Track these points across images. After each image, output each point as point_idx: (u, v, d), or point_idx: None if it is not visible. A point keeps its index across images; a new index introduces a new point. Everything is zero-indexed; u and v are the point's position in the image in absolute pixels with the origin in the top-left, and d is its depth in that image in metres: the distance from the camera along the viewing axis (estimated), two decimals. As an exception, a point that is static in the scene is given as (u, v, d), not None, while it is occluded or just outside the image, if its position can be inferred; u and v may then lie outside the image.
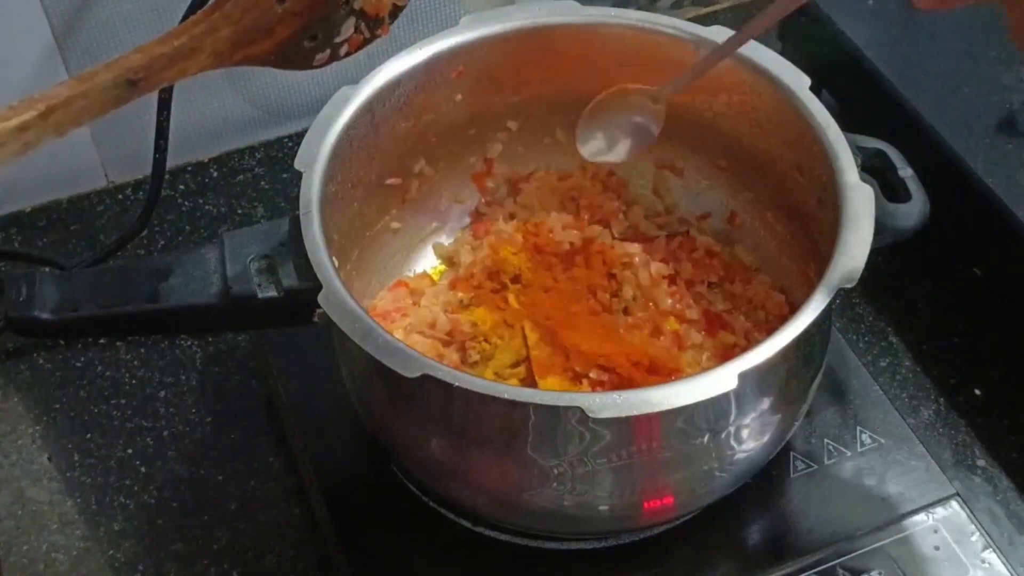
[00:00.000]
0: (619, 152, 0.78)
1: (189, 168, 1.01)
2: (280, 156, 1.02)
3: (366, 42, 0.69)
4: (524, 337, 0.76)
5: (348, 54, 0.69)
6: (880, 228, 0.66)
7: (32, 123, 0.58)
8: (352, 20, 0.68)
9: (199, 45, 0.62)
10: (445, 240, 0.85)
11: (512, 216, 0.84)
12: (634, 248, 0.82)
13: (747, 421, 0.65)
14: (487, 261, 0.81)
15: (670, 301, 0.79)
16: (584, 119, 0.78)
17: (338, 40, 0.68)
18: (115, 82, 0.61)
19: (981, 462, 0.80)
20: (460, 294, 0.80)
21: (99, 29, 0.89)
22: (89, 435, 0.83)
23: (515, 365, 0.76)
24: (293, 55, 0.66)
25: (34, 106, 0.58)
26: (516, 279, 0.80)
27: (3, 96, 0.86)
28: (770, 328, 0.69)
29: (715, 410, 0.63)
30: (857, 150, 0.70)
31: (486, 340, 0.77)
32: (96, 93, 0.60)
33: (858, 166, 0.68)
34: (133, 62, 0.61)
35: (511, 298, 0.79)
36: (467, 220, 0.86)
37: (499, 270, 0.80)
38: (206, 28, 0.63)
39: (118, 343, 0.88)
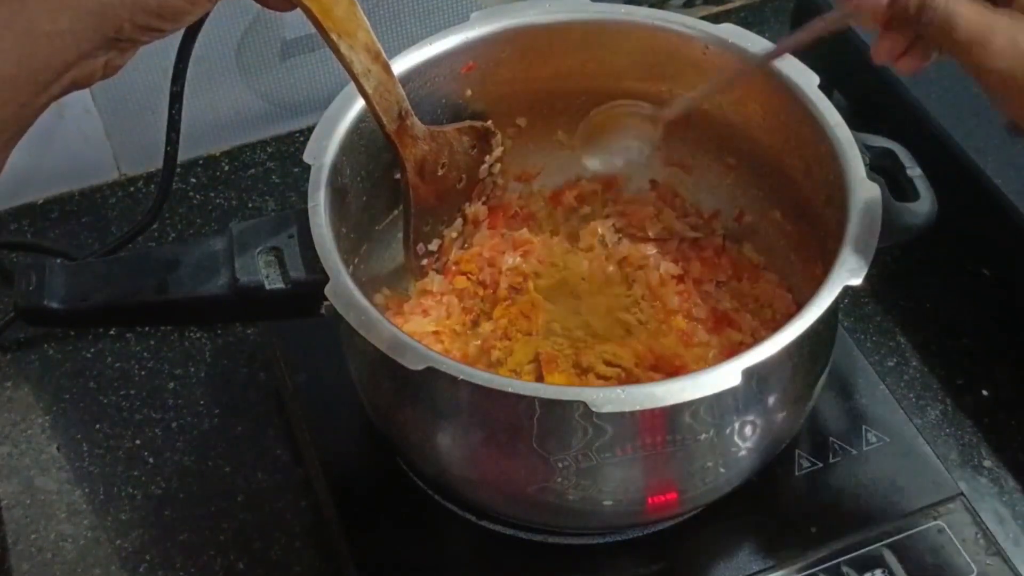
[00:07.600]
0: (615, 163, 0.80)
1: (200, 162, 1.01)
2: (291, 151, 1.02)
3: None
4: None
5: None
6: (887, 227, 0.65)
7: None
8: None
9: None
10: (454, 234, 0.85)
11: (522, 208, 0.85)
12: (651, 249, 0.82)
13: (751, 418, 0.65)
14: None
15: (677, 300, 0.80)
16: (582, 131, 0.79)
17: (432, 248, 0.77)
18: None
19: (987, 463, 0.80)
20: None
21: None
22: (98, 425, 0.83)
23: (532, 362, 0.76)
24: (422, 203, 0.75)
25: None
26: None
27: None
28: (776, 326, 0.69)
29: (719, 406, 0.63)
30: (865, 149, 0.70)
31: (506, 336, 0.77)
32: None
33: (866, 165, 0.68)
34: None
35: (530, 284, 0.80)
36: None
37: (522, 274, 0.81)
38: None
39: (128, 335, 0.89)
